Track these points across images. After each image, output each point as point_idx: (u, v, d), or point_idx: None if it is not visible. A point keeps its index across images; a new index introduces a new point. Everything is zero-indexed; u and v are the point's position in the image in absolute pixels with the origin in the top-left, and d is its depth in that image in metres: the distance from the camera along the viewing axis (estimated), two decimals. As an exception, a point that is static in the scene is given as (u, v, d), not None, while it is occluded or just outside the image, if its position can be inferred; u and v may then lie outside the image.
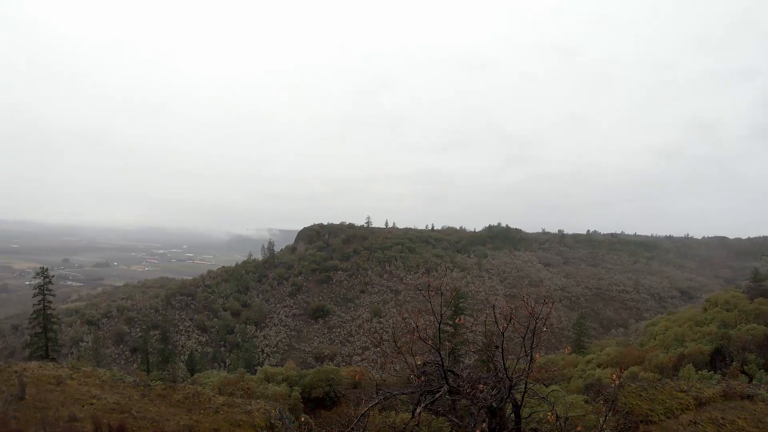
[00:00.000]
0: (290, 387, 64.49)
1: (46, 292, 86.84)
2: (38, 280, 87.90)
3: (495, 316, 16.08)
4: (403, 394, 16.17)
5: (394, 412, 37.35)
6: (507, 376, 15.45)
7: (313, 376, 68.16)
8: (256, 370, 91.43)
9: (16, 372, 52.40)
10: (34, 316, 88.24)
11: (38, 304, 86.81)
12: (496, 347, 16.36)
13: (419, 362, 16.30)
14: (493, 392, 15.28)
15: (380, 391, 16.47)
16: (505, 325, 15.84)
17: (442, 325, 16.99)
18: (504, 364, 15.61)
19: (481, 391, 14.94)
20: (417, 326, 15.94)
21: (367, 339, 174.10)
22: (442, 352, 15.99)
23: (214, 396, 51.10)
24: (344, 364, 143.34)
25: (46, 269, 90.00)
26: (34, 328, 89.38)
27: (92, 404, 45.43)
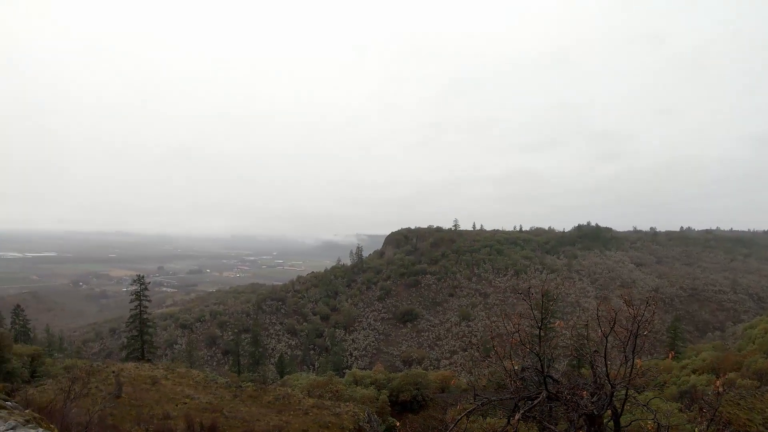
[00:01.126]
0: (378, 390, 63.99)
1: (142, 298, 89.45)
2: (135, 287, 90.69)
3: (598, 319, 14.99)
4: (500, 399, 15.30)
5: (481, 417, 36.44)
6: (609, 382, 14.43)
7: (401, 380, 67.48)
8: (344, 373, 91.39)
9: (113, 372, 53.91)
10: (131, 320, 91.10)
11: (135, 309, 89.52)
12: (595, 351, 15.35)
13: (516, 366, 15.38)
14: (593, 399, 14.31)
15: (477, 396, 15.64)
16: (608, 328, 14.77)
17: (531, 329, 16.08)
18: (606, 370, 14.56)
19: (582, 398, 13.98)
20: (517, 330, 15.02)
21: (456, 343, 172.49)
22: (541, 357, 15.07)
23: (303, 398, 51.30)
24: (432, 368, 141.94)
25: (143, 276, 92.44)
26: (131, 331, 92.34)
27: (185, 403, 46.26)
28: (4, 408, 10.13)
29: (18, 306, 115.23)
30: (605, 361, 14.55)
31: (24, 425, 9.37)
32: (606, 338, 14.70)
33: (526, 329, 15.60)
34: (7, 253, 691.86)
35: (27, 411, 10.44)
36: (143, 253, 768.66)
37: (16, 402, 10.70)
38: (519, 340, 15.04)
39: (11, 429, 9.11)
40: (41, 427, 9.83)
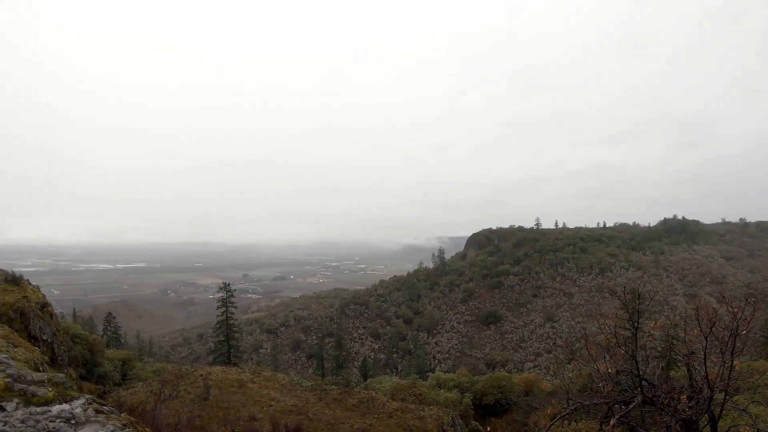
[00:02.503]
0: (461, 393, 63.26)
1: (228, 304, 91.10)
2: (221, 294, 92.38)
3: (698, 318, 13.95)
4: (595, 404, 14.42)
5: (567, 421, 35.35)
6: (708, 386, 13.41)
7: (484, 383, 66.61)
8: (427, 377, 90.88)
9: (201, 375, 54.81)
10: (218, 325, 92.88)
11: (222, 315, 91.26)
12: (692, 353, 14.35)
13: (610, 369, 14.47)
14: (690, 403, 13.37)
15: (571, 401, 14.80)
16: (706, 328, 13.73)
17: (623, 330, 15.18)
18: (706, 372, 13.54)
19: (679, 402, 13.07)
20: (614, 332, 14.20)
21: (540, 345, 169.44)
22: (637, 359, 14.14)
23: (387, 401, 51.01)
24: (516, 370, 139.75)
25: (228, 284, 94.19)
26: (218, 336, 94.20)
27: (271, 406, 46.60)
28: (102, 412, 10.06)
29: (110, 314, 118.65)
30: (704, 362, 13.57)
31: (122, 429, 9.26)
32: (706, 338, 13.64)
33: (616, 330, 14.75)
34: (100, 265, 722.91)
35: (123, 415, 10.35)
36: (228, 262, 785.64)
37: (111, 406, 10.64)
38: (615, 341, 14.22)
39: (110, 434, 9.06)
40: (137, 431, 9.72)
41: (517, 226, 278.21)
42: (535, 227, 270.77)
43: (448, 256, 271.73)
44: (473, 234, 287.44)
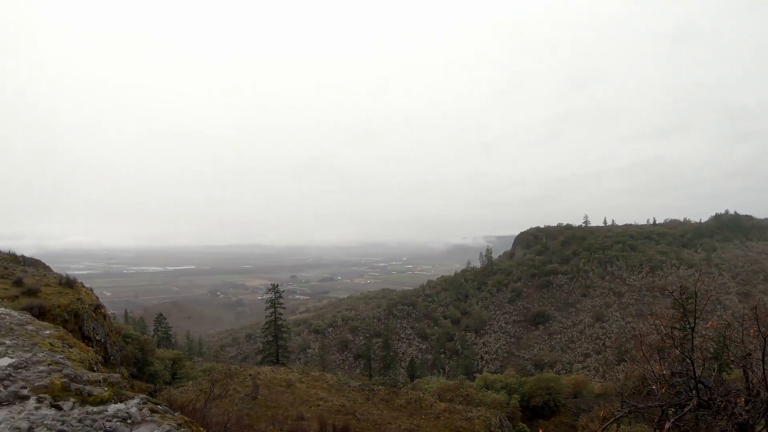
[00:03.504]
0: (509, 395, 62.85)
1: (277, 305, 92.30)
2: (270, 295, 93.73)
3: (757, 319, 13.44)
4: (649, 407, 14.04)
5: (618, 425, 34.78)
6: (767, 389, 12.97)
7: (532, 384, 66.06)
8: (475, 377, 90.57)
9: (250, 375, 55.35)
10: (267, 326, 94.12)
11: (270, 316, 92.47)
12: (749, 354, 13.91)
13: (664, 371, 14.05)
14: (747, 407, 12.99)
15: (625, 403, 14.45)
16: (765, 328, 13.24)
17: (676, 330, 14.79)
18: (764, 375, 13.09)
19: (736, 405, 12.71)
20: (671, 333, 13.87)
21: (589, 345, 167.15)
22: (693, 361, 13.68)
23: (434, 402, 50.91)
24: (564, 372, 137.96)
25: (277, 285, 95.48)
26: (267, 336, 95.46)
27: (319, 405, 46.84)
28: (157, 412, 10.18)
29: (160, 314, 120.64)
30: (762, 364, 13.13)
31: (177, 429, 9.37)
32: (765, 339, 13.12)
33: (672, 330, 14.39)
34: (150, 268, 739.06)
35: (177, 414, 10.48)
36: (277, 264, 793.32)
37: (164, 405, 10.79)
38: (672, 342, 13.87)
39: (165, 434, 9.19)
40: (192, 430, 9.85)
41: (565, 224, 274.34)
42: (583, 225, 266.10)
43: (495, 256, 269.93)
44: (521, 233, 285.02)
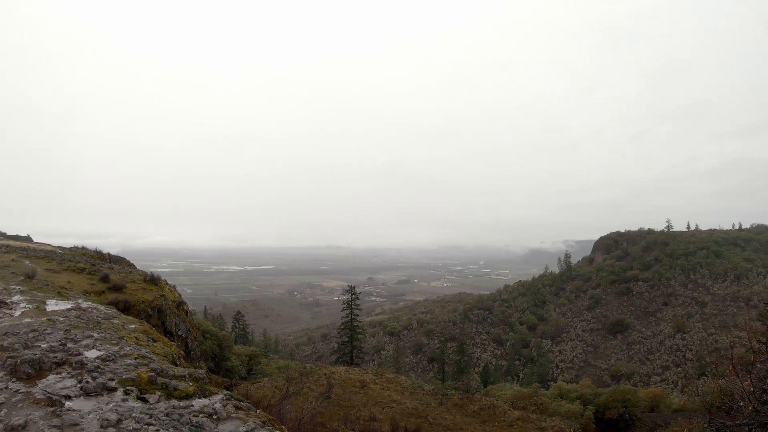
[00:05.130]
0: (583, 405, 62.02)
1: (353, 306, 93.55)
2: (346, 296, 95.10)
3: None
4: (737, 425, 13.40)
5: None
6: None
7: (608, 396, 64.96)
8: (549, 386, 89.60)
9: (325, 374, 56.28)
10: (343, 326, 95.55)
11: (346, 317, 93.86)
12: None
13: (753, 387, 13.42)
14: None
15: (713, 421, 13.87)
16: None
17: (761, 343, 14.42)
18: None
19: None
20: (763, 347, 13.49)
21: (668, 357, 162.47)
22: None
23: (508, 409, 50.74)
24: (641, 384, 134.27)
25: (353, 287, 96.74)
26: (342, 337, 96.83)
27: (392, 407, 47.28)
28: (241, 409, 10.63)
29: (239, 312, 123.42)
30: None
31: (262, 427, 9.81)
32: None
33: (738, 342, 14.16)
34: (230, 267, 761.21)
35: (259, 411, 11.00)
36: (354, 265, 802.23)
37: (247, 402, 11.37)
38: (766, 356, 13.47)
39: (251, 431, 9.60)
40: (277, 429, 10.27)
41: (646, 228, 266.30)
42: (665, 230, 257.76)
43: (574, 261, 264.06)
44: (601, 237, 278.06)
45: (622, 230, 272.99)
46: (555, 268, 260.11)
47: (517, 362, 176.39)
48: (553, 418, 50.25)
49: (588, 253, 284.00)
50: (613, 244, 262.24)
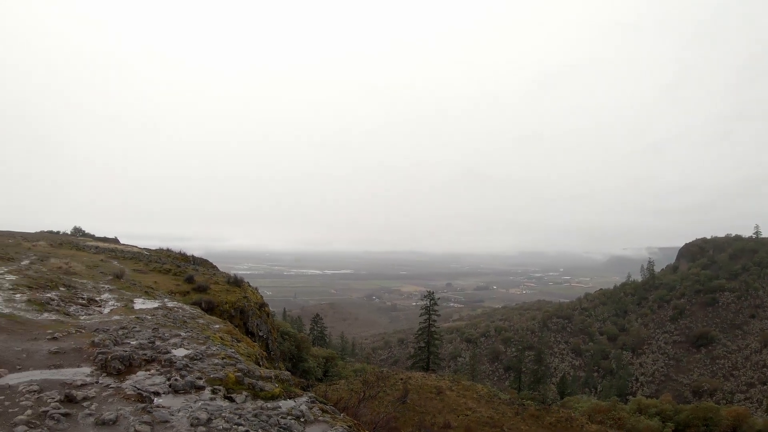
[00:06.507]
0: (663, 422, 60.59)
1: (431, 312, 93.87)
2: (425, 302, 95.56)
3: None
4: None
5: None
6: None
7: (689, 413, 63.22)
8: (627, 400, 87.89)
9: (401, 379, 56.69)
10: (420, 332, 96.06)
11: (424, 323, 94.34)
12: None
13: None
14: None
15: None
16: None
17: None
18: None
19: None
20: None
21: (754, 374, 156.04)
22: None
23: (586, 423, 50.15)
24: (724, 402, 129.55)
25: (432, 292, 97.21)
26: (419, 342, 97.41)
27: (467, 415, 47.32)
28: (327, 412, 10.87)
29: (317, 315, 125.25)
30: None
31: (348, 431, 10.08)
32: None
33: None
34: (309, 270, 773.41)
35: (344, 415, 11.24)
36: (432, 271, 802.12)
37: (332, 405, 11.69)
38: None
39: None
40: None
41: (734, 234, 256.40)
42: (753, 236, 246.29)
43: (658, 268, 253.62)
44: (685, 244, 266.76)
45: (708, 236, 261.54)
46: (637, 277, 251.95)
47: (595, 374, 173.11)
48: (632, 433, 49.41)
49: (672, 260, 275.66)
50: (698, 252, 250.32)
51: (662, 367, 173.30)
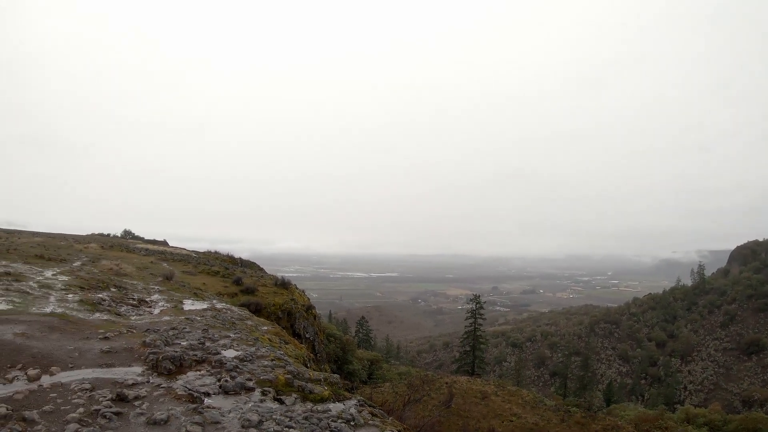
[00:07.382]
0: (711, 432, 59.39)
1: (477, 316, 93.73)
2: (470, 305, 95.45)
3: None
4: None
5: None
6: None
7: (738, 423, 61.81)
8: (675, 409, 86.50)
9: (446, 383, 56.66)
10: (465, 336, 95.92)
11: (470, 326, 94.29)
12: None
13: None
14: None
15: None
16: None
17: None
18: None
19: None
20: None
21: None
22: None
23: (632, 431, 49.46)
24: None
25: (478, 296, 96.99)
26: (464, 346, 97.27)
27: (512, 421, 47.12)
28: (377, 416, 10.94)
29: (363, 317, 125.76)
30: None
31: None
32: None
33: None
34: (356, 273, 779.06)
35: (392, 419, 11.30)
36: (478, 274, 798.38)
37: (380, 409, 11.79)
38: None
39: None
40: None
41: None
42: None
43: (708, 272, 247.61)
44: (737, 247, 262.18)
45: (761, 239, 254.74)
46: (687, 281, 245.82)
47: (642, 381, 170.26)
48: (679, 443, 48.67)
49: (723, 263, 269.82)
50: (750, 255, 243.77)
51: (711, 375, 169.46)
